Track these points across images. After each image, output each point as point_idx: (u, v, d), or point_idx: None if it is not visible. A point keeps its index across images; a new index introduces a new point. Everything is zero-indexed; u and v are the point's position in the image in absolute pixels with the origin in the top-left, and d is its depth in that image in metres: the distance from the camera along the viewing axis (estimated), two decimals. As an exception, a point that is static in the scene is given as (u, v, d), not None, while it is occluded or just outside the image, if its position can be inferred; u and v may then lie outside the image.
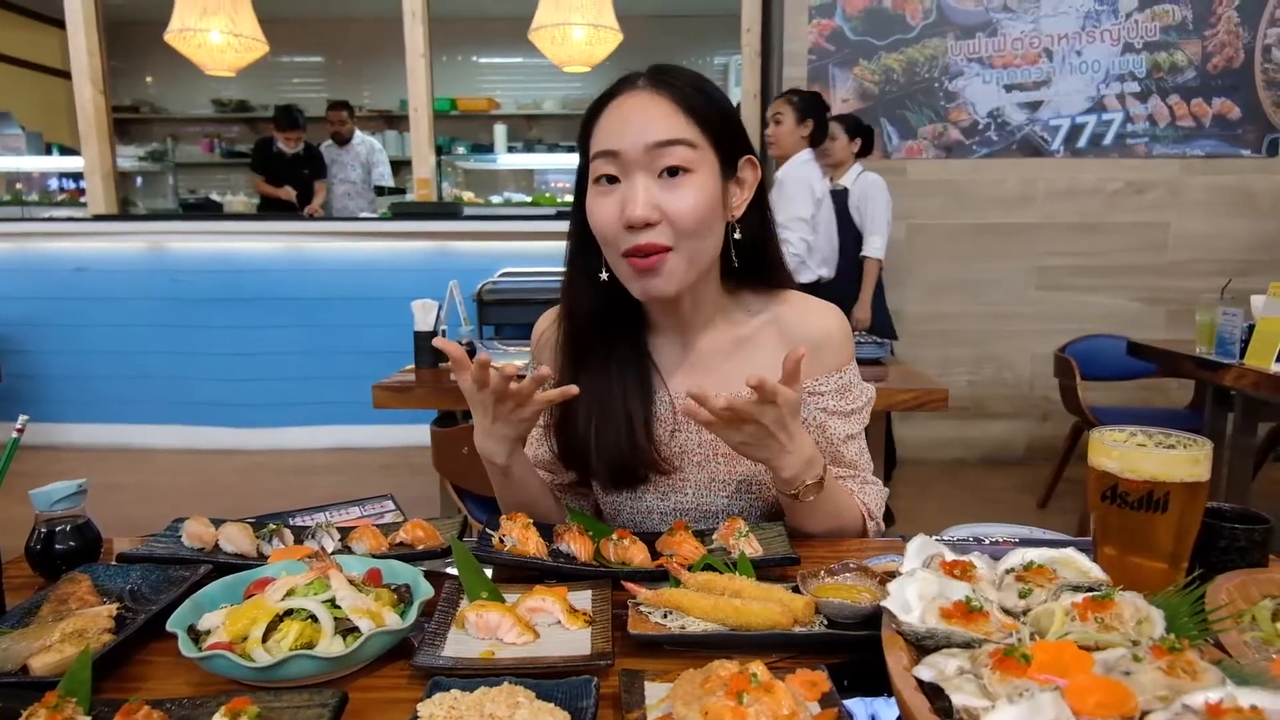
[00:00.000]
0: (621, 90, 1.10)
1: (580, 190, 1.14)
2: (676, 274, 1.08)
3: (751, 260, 1.19)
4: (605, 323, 1.19)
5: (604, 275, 1.13)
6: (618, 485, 1.21)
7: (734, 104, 1.17)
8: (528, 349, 3.24)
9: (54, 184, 6.92)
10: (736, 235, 1.15)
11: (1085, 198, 4.58)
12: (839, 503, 1.17)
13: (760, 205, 1.18)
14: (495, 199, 7.05)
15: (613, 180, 1.07)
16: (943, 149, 4.57)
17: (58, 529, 1.02)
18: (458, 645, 0.83)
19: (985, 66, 4.50)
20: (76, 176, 6.34)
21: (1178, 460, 0.82)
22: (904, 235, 4.61)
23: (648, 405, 1.20)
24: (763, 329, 1.22)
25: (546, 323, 1.29)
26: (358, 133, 6.19)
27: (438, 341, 1.07)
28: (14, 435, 1.01)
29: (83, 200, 5.72)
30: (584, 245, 1.15)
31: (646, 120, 1.05)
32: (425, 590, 0.88)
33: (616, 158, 1.06)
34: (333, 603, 0.81)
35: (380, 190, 6.05)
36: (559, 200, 6.97)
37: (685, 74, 1.10)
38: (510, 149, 7.62)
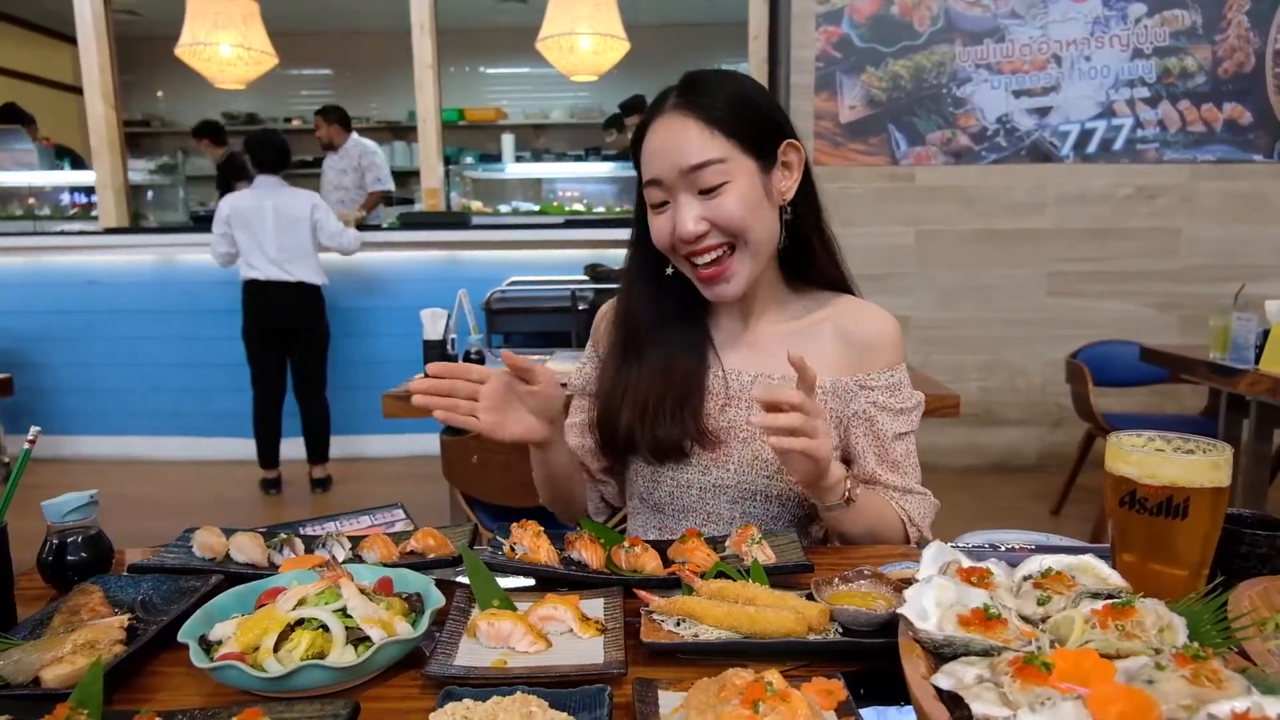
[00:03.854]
0: (656, 113, 1.16)
1: (639, 199, 1.23)
2: (742, 275, 1.17)
3: (803, 246, 1.25)
4: (664, 312, 1.26)
5: (669, 270, 1.23)
6: (662, 459, 1.24)
7: (768, 96, 1.20)
8: (536, 357, 3.25)
9: (65, 198, 6.97)
10: (787, 216, 1.21)
11: (1095, 203, 4.56)
12: (876, 505, 1.20)
13: (807, 191, 1.23)
14: (503, 208, 7.07)
15: (664, 203, 1.16)
16: (951, 155, 4.57)
17: (69, 540, 1.02)
18: (470, 654, 0.83)
19: (994, 72, 4.49)
20: (88, 190, 6.38)
21: (1198, 465, 0.81)
22: (913, 242, 4.60)
23: (701, 380, 1.25)
24: (819, 325, 1.28)
25: (610, 306, 1.36)
26: (354, 136, 6.01)
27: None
28: (25, 446, 1.01)
29: (94, 214, 5.76)
30: (646, 247, 1.23)
31: (677, 147, 1.12)
32: (436, 599, 0.87)
33: (660, 185, 1.15)
34: (344, 612, 0.81)
35: (389, 199, 6.04)
36: (567, 209, 6.98)
37: (713, 84, 1.14)
38: (518, 158, 7.65)
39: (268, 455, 4.53)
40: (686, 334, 1.27)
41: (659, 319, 1.26)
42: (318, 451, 4.60)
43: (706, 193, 1.12)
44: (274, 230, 4.28)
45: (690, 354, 1.25)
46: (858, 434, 1.25)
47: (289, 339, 4.44)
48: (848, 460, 1.27)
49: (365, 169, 5.98)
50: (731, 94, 1.14)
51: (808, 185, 1.22)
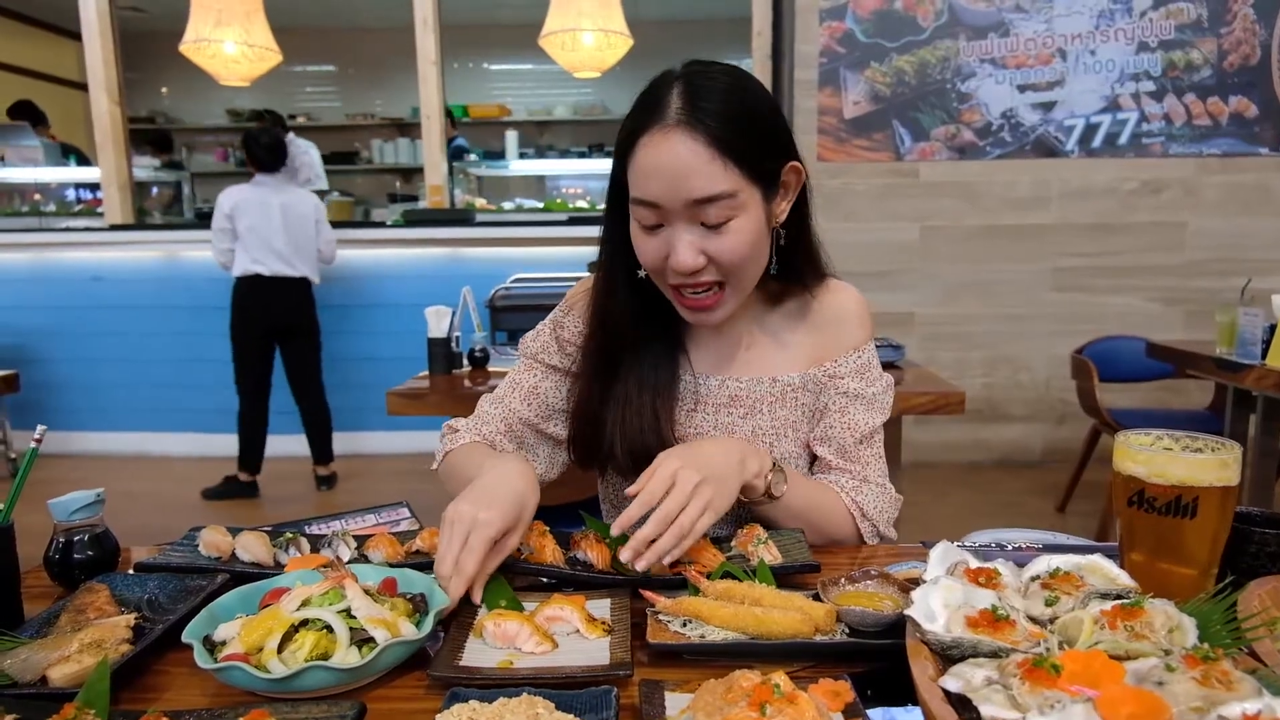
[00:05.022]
0: (655, 121, 1.02)
1: (613, 197, 1.13)
2: (729, 306, 1.12)
3: (789, 257, 1.17)
4: (639, 315, 1.19)
5: (642, 274, 1.14)
6: (636, 469, 1.16)
7: (774, 107, 1.10)
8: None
9: (71, 194, 6.98)
10: (781, 241, 1.14)
11: (1100, 198, 4.55)
12: (815, 498, 1.16)
13: (800, 209, 1.16)
14: (507, 205, 7.06)
15: (657, 225, 1.07)
16: (956, 150, 4.55)
17: (76, 538, 1.02)
18: (476, 654, 0.83)
19: (998, 67, 4.47)
20: (93, 187, 6.41)
21: (1206, 464, 0.80)
22: (917, 237, 4.59)
23: (674, 386, 1.21)
24: (791, 315, 1.25)
25: (590, 284, 1.27)
26: (290, 136, 5.92)
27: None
28: (32, 445, 1.01)
29: (99, 210, 5.77)
30: (619, 249, 1.15)
31: (682, 174, 1.01)
32: (440, 599, 0.87)
33: (656, 209, 1.04)
34: (348, 613, 0.81)
35: (393, 198, 6.05)
36: (570, 206, 6.97)
37: (720, 94, 1.03)
38: (522, 155, 7.63)
39: (256, 460, 4.46)
40: (661, 338, 1.21)
41: (634, 322, 1.19)
42: (324, 450, 4.58)
43: (708, 226, 1.04)
44: (282, 226, 4.25)
45: (664, 360, 1.21)
46: (822, 426, 1.23)
47: (287, 336, 4.40)
48: (812, 455, 1.25)
49: (298, 169, 5.87)
50: (740, 108, 1.03)
51: (801, 202, 1.15)
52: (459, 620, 0.88)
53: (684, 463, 0.98)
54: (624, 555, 0.93)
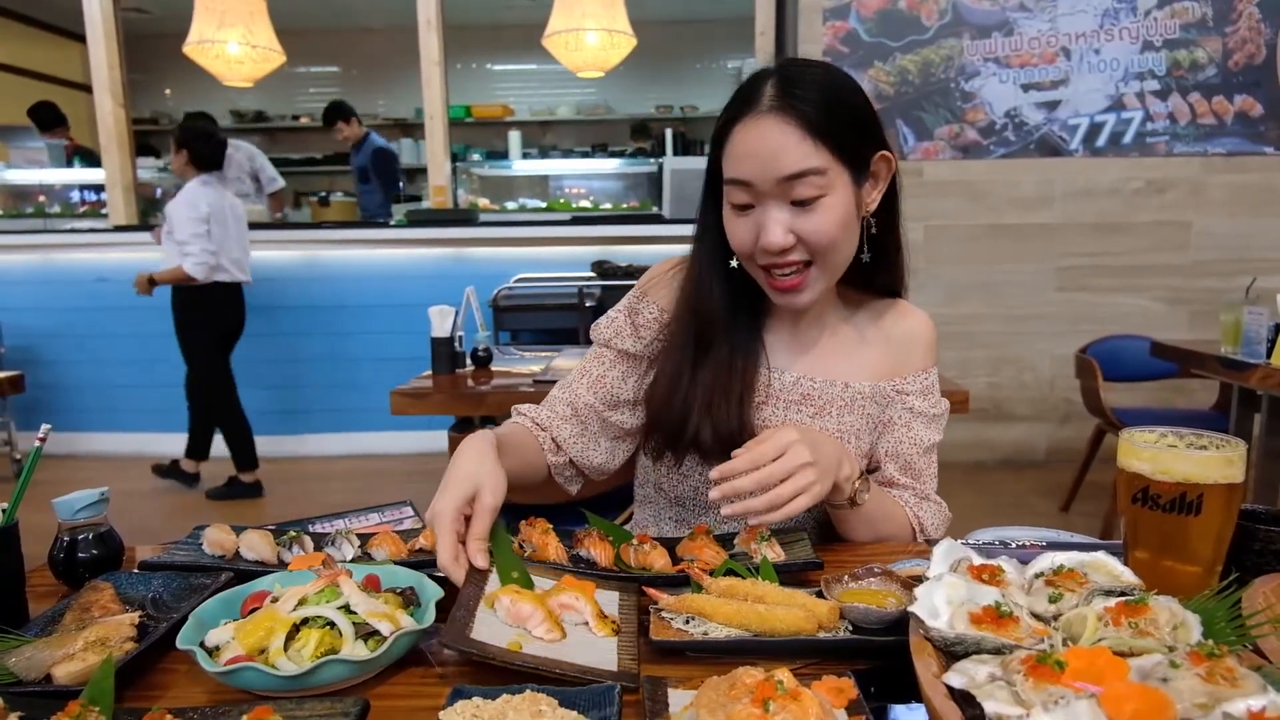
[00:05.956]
0: (749, 110, 1.07)
1: (708, 188, 1.17)
2: (816, 287, 1.14)
3: (877, 250, 1.19)
4: (729, 306, 1.22)
5: (734, 263, 1.17)
6: (719, 457, 1.14)
7: (864, 98, 1.13)
8: (543, 354, 3.22)
9: (76, 196, 7.00)
10: (872, 230, 1.16)
11: (1105, 197, 4.54)
12: (886, 509, 1.19)
13: (891, 201, 1.18)
14: (510, 205, 7.07)
15: (748, 205, 1.10)
16: (959, 150, 4.54)
17: (80, 537, 1.02)
18: (486, 627, 0.83)
19: (1002, 66, 4.47)
20: (98, 188, 6.42)
21: (1211, 461, 0.80)
22: (921, 237, 4.58)
23: (754, 378, 1.23)
24: (866, 325, 1.28)
25: (670, 264, 1.30)
26: (232, 140, 5.72)
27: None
28: (36, 444, 1.01)
29: (104, 211, 5.78)
30: (716, 239, 1.18)
31: (774, 152, 1.05)
32: (433, 591, 0.88)
33: (749, 188, 1.08)
34: (347, 609, 0.81)
35: (397, 198, 6.05)
36: (573, 206, 6.98)
37: (813, 84, 1.06)
38: (525, 155, 7.64)
39: (251, 456, 4.47)
40: (745, 329, 1.23)
41: (724, 313, 1.21)
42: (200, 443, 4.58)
43: (799, 204, 1.06)
44: (235, 230, 4.20)
45: (748, 350, 1.22)
46: (890, 439, 1.25)
47: (234, 341, 4.41)
48: (874, 465, 1.27)
49: (259, 170, 5.87)
50: (832, 96, 1.07)
51: (891, 195, 1.18)
52: (473, 580, 0.89)
53: (801, 437, 1.00)
54: (713, 494, 0.97)
